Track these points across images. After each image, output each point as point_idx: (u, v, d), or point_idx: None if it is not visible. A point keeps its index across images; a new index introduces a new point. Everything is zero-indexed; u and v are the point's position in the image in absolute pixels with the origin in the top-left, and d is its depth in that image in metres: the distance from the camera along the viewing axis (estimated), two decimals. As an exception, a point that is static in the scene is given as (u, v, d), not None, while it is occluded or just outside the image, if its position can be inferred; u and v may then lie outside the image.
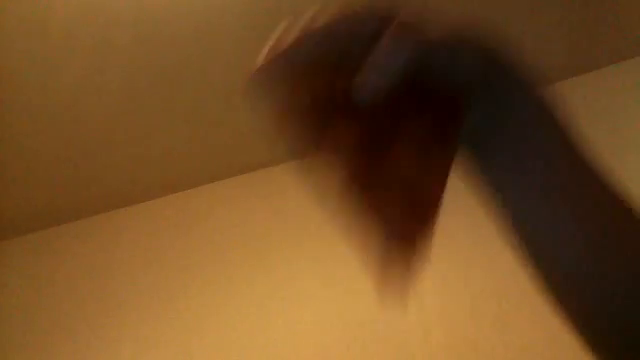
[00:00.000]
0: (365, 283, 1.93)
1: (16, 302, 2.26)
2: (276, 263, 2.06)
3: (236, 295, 2.06)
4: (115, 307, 2.15)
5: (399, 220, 0.33)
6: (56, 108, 1.87)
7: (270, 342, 1.96)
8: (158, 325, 2.08)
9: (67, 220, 2.32)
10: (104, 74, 1.78)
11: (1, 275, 2.32)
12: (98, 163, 2.09)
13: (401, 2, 0.36)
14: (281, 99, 0.34)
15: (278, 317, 1.99)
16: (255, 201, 2.18)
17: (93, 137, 1.99)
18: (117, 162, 2.10)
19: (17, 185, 2.13)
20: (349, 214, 0.34)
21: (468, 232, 1.89)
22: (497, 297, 1.78)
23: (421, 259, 0.35)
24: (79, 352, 2.11)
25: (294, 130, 0.34)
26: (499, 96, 0.36)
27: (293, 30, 0.34)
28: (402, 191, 0.33)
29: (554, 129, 0.36)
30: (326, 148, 0.33)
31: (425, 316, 1.82)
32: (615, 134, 1.90)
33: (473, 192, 1.89)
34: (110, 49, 1.71)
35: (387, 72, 0.32)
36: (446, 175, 0.34)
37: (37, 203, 2.22)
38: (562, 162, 0.35)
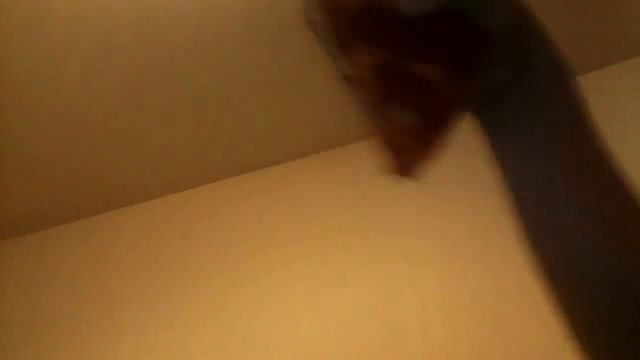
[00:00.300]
0: (366, 283, 1.93)
1: (16, 302, 2.26)
2: (276, 263, 2.06)
3: (236, 295, 2.06)
4: (115, 307, 2.15)
5: (420, 111, 0.36)
6: (56, 108, 1.87)
7: (270, 341, 1.96)
8: (158, 325, 2.08)
9: (67, 220, 2.32)
10: (104, 74, 1.78)
11: (1, 275, 2.32)
12: (98, 163, 2.09)
13: None
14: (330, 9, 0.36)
15: (278, 316, 1.99)
16: (256, 201, 2.18)
17: (93, 137, 1.99)
18: (117, 162, 2.10)
19: (17, 185, 2.13)
20: (372, 101, 0.37)
21: (468, 231, 1.89)
22: (497, 297, 1.78)
23: (438, 146, 0.37)
24: (79, 352, 2.11)
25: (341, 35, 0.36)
26: (521, 58, 0.37)
27: None
28: (420, 93, 0.36)
29: (569, 105, 0.38)
30: (369, 48, 0.35)
31: (425, 316, 1.82)
32: (615, 134, 1.90)
33: (474, 183, 1.89)
34: (110, 49, 1.71)
35: None
36: (460, 100, 0.36)
37: (37, 203, 2.22)
38: (573, 137, 0.36)
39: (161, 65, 1.78)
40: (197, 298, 2.09)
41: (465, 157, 1.76)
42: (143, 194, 2.26)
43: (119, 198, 2.26)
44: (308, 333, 1.94)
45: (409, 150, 0.37)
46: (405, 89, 0.36)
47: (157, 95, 1.87)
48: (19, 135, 1.94)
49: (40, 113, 1.87)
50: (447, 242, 1.89)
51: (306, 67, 1.86)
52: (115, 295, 2.17)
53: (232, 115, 1.99)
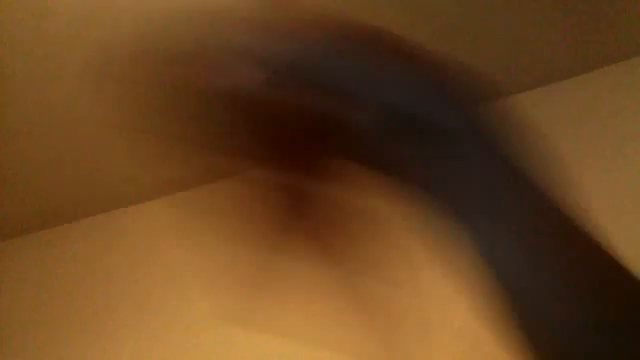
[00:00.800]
0: (367, 282, 1.93)
1: (16, 302, 2.26)
2: (277, 263, 2.06)
3: (237, 295, 2.06)
4: (115, 307, 2.15)
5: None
6: (56, 107, 1.87)
7: (270, 341, 1.96)
8: (158, 325, 2.08)
9: (67, 220, 2.32)
10: (104, 73, 1.78)
11: (1, 275, 2.32)
12: (98, 163, 2.09)
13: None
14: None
15: (279, 316, 1.99)
16: (256, 201, 2.18)
17: (93, 137, 1.99)
18: (117, 162, 2.10)
19: (17, 185, 2.13)
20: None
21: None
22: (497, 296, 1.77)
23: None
24: (79, 352, 2.11)
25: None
26: (443, 128, 0.34)
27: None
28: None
29: (502, 153, 0.35)
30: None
31: (425, 315, 1.82)
32: (615, 134, 1.90)
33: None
34: (111, 48, 1.71)
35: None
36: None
37: (37, 203, 2.22)
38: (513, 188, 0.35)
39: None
40: (197, 298, 2.09)
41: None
42: (143, 194, 2.26)
43: (119, 198, 2.26)
44: (308, 332, 1.93)
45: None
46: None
47: (157, 95, 1.87)
48: (19, 135, 1.94)
49: (40, 112, 1.87)
50: (447, 242, 1.89)
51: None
52: (115, 295, 2.17)
53: (233, 115, 1.98)
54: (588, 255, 0.36)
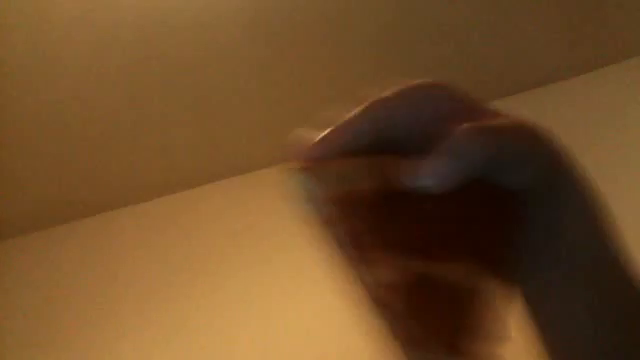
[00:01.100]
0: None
1: (16, 302, 2.26)
2: (278, 263, 2.06)
3: (238, 295, 2.06)
4: (115, 307, 2.15)
5: (445, 333, 0.29)
6: (56, 108, 1.87)
7: (271, 341, 1.95)
8: (159, 325, 2.08)
9: (67, 220, 2.32)
10: (104, 74, 1.78)
11: (1, 275, 2.32)
12: (98, 163, 2.09)
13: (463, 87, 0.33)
14: (329, 198, 0.29)
15: (279, 316, 1.99)
16: (257, 201, 2.18)
17: (93, 137, 1.99)
18: (117, 162, 2.10)
19: (17, 185, 2.13)
20: (384, 317, 0.30)
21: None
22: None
23: None
24: (79, 352, 2.11)
25: (340, 235, 0.30)
26: (552, 218, 0.32)
27: (343, 119, 0.30)
28: (450, 300, 0.29)
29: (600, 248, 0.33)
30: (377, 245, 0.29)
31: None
32: (616, 134, 1.90)
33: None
34: (110, 49, 1.71)
35: (462, 160, 0.28)
36: (507, 294, 0.31)
37: (38, 203, 2.22)
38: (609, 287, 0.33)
39: (162, 64, 1.78)
40: (198, 298, 2.09)
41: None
42: (143, 194, 2.26)
43: (119, 198, 2.26)
44: (307, 332, 1.93)
45: None
46: (436, 305, 0.29)
47: (157, 95, 1.87)
48: (19, 135, 1.94)
49: (40, 112, 1.87)
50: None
51: (307, 67, 1.86)
52: (115, 295, 2.17)
53: (233, 114, 1.99)
54: None
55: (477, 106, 0.32)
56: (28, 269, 2.29)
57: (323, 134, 0.30)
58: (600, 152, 1.88)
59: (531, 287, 0.34)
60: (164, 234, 2.22)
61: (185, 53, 1.76)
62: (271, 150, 2.13)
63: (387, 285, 0.29)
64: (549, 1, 1.73)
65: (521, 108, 2.00)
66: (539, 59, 1.94)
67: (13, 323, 2.22)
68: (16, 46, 1.66)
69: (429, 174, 0.28)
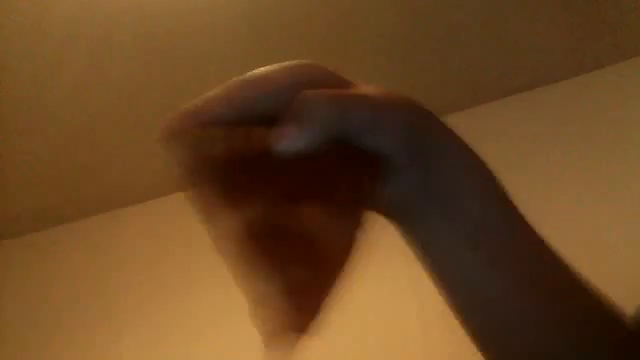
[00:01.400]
0: (367, 282, 1.93)
1: (16, 302, 2.26)
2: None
3: (238, 295, 2.05)
4: (115, 307, 2.15)
5: (296, 272, 0.33)
6: (56, 108, 1.87)
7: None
8: (159, 325, 2.08)
9: (67, 220, 2.32)
10: (104, 74, 1.78)
11: (1, 275, 2.32)
12: (98, 163, 2.09)
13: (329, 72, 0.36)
14: (193, 160, 0.33)
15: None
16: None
17: (93, 137, 1.99)
18: (117, 162, 2.10)
19: (17, 185, 2.13)
20: (242, 258, 0.34)
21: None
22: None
23: (318, 315, 0.34)
24: (79, 352, 2.11)
25: (204, 187, 0.34)
26: (428, 161, 0.35)
27: (212, 95, 0.35)
28: (305, 245, 0.33)
29: (487, 191, 0.37)
30: (237, 198, 0.33)
31: (425, 316, 1.82)
32: (615, 134, 1.90)
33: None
34: (110, 49, 1.71)
35: (315, 124, 0.31)
36: (353, 239, 0.34)
37: (37, 203, 2.22)
38: (497, 228, 0.37)
39: (162, 64, 1.78)
40: (198, 298, 2.09)
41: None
42: (143, 194, 2.26)
43: (119, 198, 2.26)
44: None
45: (296, 313, 0.34)
46: (285, 245, 0.33)
47: (158, 95, 1.87)
48: (19, 135, 1.94)
49: (40, 112, 1.87)
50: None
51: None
52: (115, 295, 2.17)
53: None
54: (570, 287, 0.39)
55: (341, 80, 0.35)
56: (28, 269, 2.30)
57: (187, 108, 0.35)
58: (600, 152, 1.88)
59: (419, 234, 0.38)
60: (164, 234, 2.22)
61: (185, 53, 1.76)
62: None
63: (229, 235, 0.33)
64: (549, 1, 1.74)
65: (521, 108, 2.00)
66: (539, 59, 1.94)
67: (13, 323, 2.22)
68: (16, 46, 1.66)
69: (282, 140, 0.31)
